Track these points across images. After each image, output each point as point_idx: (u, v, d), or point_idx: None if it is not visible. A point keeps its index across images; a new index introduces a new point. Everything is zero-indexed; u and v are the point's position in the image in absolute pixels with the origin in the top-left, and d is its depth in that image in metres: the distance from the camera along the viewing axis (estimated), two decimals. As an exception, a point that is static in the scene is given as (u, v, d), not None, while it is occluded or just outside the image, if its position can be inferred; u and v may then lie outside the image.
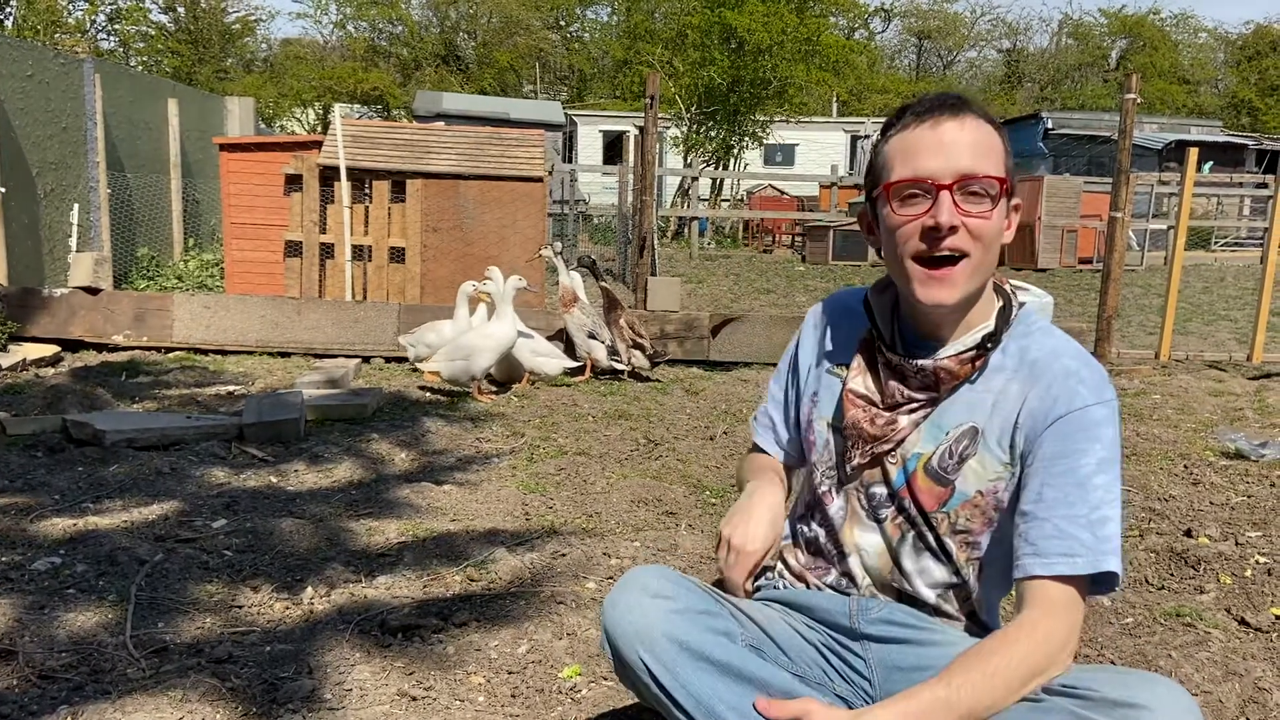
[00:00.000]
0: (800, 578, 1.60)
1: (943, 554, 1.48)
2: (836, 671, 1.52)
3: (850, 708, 1.48)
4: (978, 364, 1.44)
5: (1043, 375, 1.42)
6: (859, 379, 1.51)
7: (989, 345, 1.44)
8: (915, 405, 1.47)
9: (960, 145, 1.37)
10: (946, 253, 1.38)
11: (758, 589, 1.63)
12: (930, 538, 1.49)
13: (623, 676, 1.42)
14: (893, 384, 1.48)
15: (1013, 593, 1.43)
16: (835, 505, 1.55)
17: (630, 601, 1.38)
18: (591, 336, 5.29)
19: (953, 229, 1.36)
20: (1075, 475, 1.35)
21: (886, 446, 1.48)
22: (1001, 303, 1.49)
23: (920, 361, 1.46)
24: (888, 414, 1.48)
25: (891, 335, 1.51)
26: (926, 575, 1.50)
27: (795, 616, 1.56)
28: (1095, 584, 1.35)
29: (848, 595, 1.54)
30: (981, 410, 1.45)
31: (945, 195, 1.36)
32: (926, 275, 1.39)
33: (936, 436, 1.47)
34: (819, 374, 1.60)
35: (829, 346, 1.61)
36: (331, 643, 2.06)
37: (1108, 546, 1.32)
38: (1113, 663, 2.13)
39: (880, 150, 1.47)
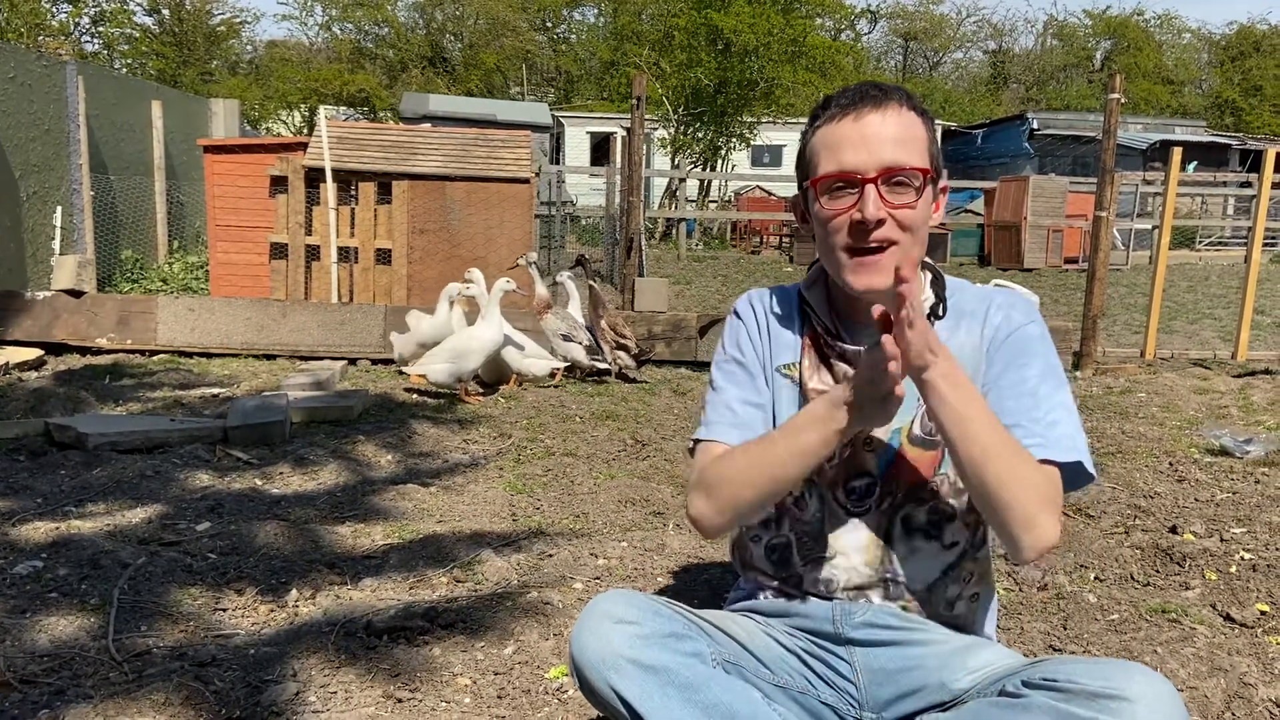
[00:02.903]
0: (779, 590, 1.59)
1: (946, 521, 1.49)
2: (820, 678, 1.51)
3: (837, 714, 1.48)
4: None
5: (984, 315, 1.51)
6: (816, 377, 1.52)
7: (940, 314, 1.51)
8: None
9: (883, 138, 1.40)
10: (875, 244, 1.41)
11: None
12: (921, 515, 1.49)
13: (594, 704, 1.39)
14: (850, 373, 1.48)
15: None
16: (810, 510, 1.53)
17: (595, 629, 1.35)
18: (567, 339, 5.27)
19: (879, 222, 1.39)
20: (1025, 385, 1.44)
21: (864, 436, 1.48)
22: (932, 275, 1.55)
23: None
24: None
25: (835, 328, 1.53)
26: (919, 556, 1.49)
27: (775, 626, 1.55)
28: (1069, 483, 1.41)
29: (830, 599, 1.53)
30: None
31: (870, 189, 1.39)
32: (857, 263, 1.42)
33: (908, 406, 1.47)
34: (772, 374, 1.58)
35: (774, 348, 1.59)
36: (316, 645, 2.05)
37: (1066, 444, 1.40)
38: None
39: (808, 142, 1.48)
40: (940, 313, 1.51)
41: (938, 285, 1.53)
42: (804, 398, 1.52)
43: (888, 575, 1.50)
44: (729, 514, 1.49)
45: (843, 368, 1.50)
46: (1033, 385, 1.43)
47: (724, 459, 1.50)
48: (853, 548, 1.51)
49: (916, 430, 1.48)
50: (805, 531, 1.53)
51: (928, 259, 1.54)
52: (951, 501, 1.49)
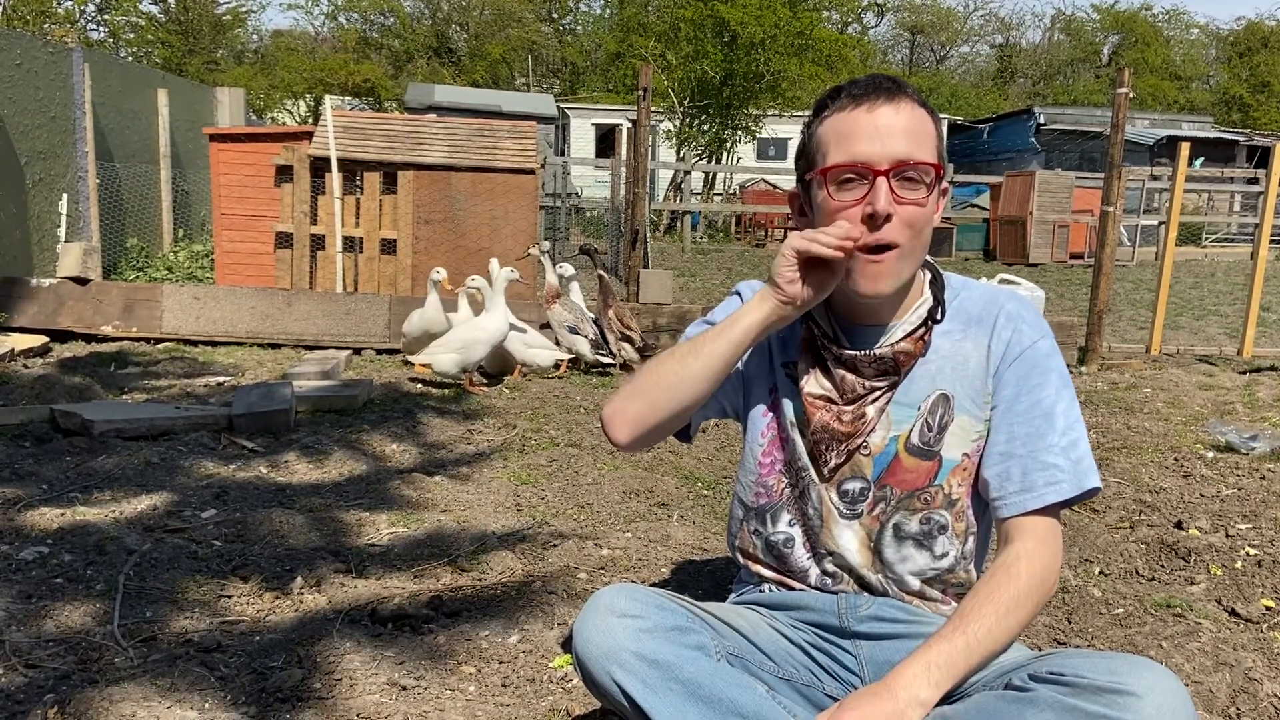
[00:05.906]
0: (781, 584, 1.58)
1: (938, 532, 1.48)
2: (825, 670, 1.50)
3: None
4: (927, 338, 1.47)
5: (991, 325, 1.47)
6: (812, 380, 1.50)
7: (938, 318, 1.48)
8: (877, 393, 1.47)
9: (896, 130, 1.37)
10: (878, 244, 1.38)
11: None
12: (913, 523, 1.48)
13: (598, 697, 1.39)
14: (849, 378, 1.47)
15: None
16: (811, 506, 1.53)
17: (597, 622, 1.35)
18: (574, 331, 5.26)
19: (887, 216, 1.36)
20: (1041, 408, 1.43)
21: (859, 441, 1.47)
22: (930, 275, 1.52)
23: (877, 350, 1.46)
24: (851, 408, 1.47)
25: (832, 329, 1.50)
26: (910, 563, 1.49)
27: (780, 619, 1.54)
28: (1078, 496, 1.42)
29: (834, 594, 1.52)
30: (943, 376, 1.47)
31: (882, 182, 1.36)
32: (865, 262, 1.39)
33: (908, 415, 1.47)
34: (777, 369, 1.57)
35: (777, 343, 1.57)
36: (321, 633, 2.05)
37: (1084, 465, 1.41)
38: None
39: (814, 132, 1.45)
40: (939, 316, 1.48)
41: (936, 286, 1.50)
42: (800, 400, 1.51)
43: (879, 575, 1.50)
44: (640, 404, 1.61)
45: (840, 372, 1.47)
46: (1048, 406, 1.43)
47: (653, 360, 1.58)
48: (850, 547, 1.50)
49: (914, 439, 1.46)
50: (811, 526, 1.53)
51: (928, 258, 1.52)
52: (944, 513, 1.47)
